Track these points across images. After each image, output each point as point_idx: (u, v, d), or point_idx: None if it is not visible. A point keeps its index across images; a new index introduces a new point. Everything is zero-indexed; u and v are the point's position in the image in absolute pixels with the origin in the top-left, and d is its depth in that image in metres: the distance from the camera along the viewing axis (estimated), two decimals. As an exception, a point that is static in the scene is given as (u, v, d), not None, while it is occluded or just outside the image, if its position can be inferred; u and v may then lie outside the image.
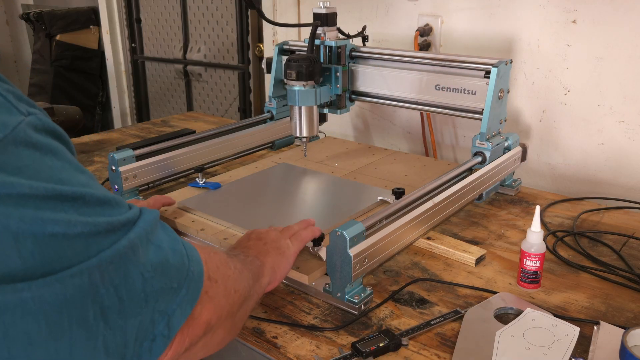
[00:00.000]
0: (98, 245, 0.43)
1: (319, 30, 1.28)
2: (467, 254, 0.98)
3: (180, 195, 1.18)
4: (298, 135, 1.25)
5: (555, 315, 0.81)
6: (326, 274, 0.85)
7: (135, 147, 1.21)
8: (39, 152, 0.43)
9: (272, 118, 1.50)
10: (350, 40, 1.35)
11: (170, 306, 0.49)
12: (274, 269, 0.78)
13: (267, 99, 1.51)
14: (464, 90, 1.20)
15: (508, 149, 1.21)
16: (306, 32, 1.54)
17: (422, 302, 0.86)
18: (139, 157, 1.20)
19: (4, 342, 0.39)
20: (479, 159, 1.16)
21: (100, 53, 3.09)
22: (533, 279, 0.89)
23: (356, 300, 0.83)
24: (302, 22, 1.82)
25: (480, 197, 1.18)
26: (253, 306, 0.69)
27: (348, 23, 1.57)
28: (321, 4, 1.26)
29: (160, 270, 0.48)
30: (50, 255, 0.40)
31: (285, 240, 0.84)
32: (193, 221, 1.07)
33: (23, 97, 0.45)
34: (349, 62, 1.36)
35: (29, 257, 0.39)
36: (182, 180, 1.31)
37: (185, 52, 2.45)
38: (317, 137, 1.55)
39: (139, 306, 0.46)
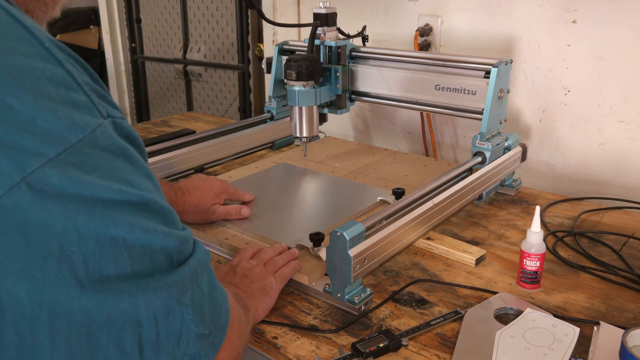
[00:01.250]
0: (152, 263, 0.44)
1: (319, 30, 1.28)
2: (467, 254, 0.98)
3: (180, 195, 1.18)
4: (298, 135, 1.25)
5: (555, 316, 0.81)
6: (326, 274, 0.85)
7: (135, 147, 1.21)
8: (112, 154, 0.43)
9: (272, 118, 1.50)
10: (350, 40, 1.35)
11: (198, 352, 0.49)
12: (257, 310, 0.79)
13: (267, 99, 1.51)
14: (464, 90, 1.20)
15: (508, 149, 1.21)
16: (306, 32, 1.53)
17: (422, 303, 0.86)
18: (139, 157, 1.20)
19: (49, 348, 0.40)
20: (479, 159, 1.16)
21: (100, 53, 3.09)
22: (533, 279, 0.89)
23: (356, 301, 0.83)
24: (302, 22, 1.82)
25: (480, 197, 1.18)
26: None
27: (348, 23, 1.57)
28: (321, 4, 1.26)
29: (198, 315, 0.49)
30: (108, 257, 0.41)
31: (270, 278, 0.84)
32: (193, 221, 1.07)
33: (106, 95, 0.46)
34: (349, 62, 1.36)
35: (90, 257, 0.40)
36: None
37: (185, 52, 2.45)
38: (317, 137, 1.55)
39: (172, 345, 0.46)
